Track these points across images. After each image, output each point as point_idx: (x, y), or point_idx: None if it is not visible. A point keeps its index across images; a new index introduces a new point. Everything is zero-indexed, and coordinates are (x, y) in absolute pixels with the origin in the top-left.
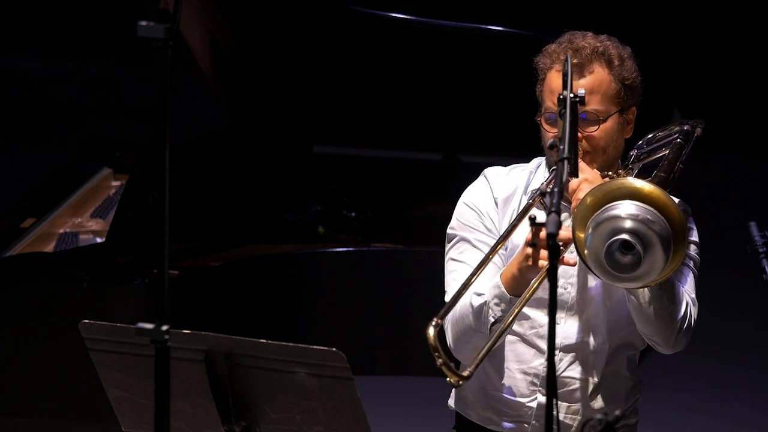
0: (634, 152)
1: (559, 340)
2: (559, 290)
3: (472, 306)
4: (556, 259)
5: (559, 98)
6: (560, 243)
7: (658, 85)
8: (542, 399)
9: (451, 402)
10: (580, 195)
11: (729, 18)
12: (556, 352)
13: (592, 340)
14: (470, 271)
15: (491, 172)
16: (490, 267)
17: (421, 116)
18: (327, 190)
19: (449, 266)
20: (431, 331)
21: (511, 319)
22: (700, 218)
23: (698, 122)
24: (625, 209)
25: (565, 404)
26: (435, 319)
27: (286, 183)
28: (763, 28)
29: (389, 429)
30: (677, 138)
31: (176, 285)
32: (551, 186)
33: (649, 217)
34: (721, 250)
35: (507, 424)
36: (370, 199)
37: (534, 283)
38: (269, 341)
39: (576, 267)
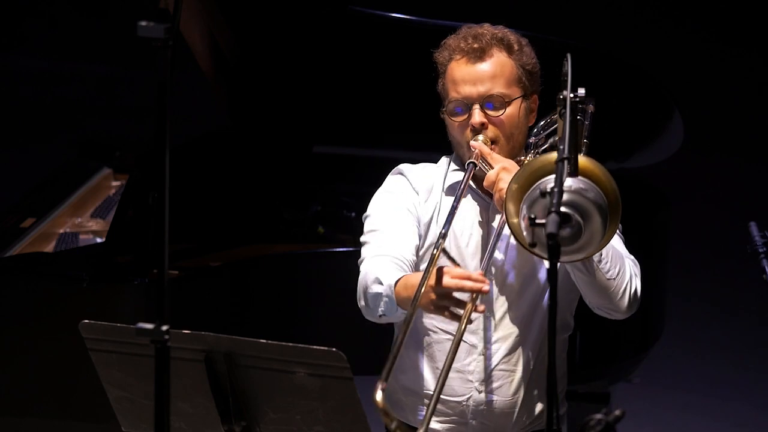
0: (532, 140)
1: (489, 333)
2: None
3: (369, 290)
4: (556, 258)
5: (559, 98)
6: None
7: (658, 85)
8: (477, 396)
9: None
10: (502, 185)
11: (729, 18)
12: (489, 345)
13: (522, 329)
14: (389, 235)
15: (405, 167)
16: (410, 236)
17: (421, 116)
18: (327, 190)
19: (364, 238)
20: (378, 395)
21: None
22: (701, 218)
23: (589, 99)
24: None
25: (500, 398)
26: (379, 383)
27: (286, 183)
28: (763, 28)
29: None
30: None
31: (176, 285)
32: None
33: (582, 186)
34: (721, 250)
35: (444, 425)
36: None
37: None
38: (269, 341)
39: (495, 260)
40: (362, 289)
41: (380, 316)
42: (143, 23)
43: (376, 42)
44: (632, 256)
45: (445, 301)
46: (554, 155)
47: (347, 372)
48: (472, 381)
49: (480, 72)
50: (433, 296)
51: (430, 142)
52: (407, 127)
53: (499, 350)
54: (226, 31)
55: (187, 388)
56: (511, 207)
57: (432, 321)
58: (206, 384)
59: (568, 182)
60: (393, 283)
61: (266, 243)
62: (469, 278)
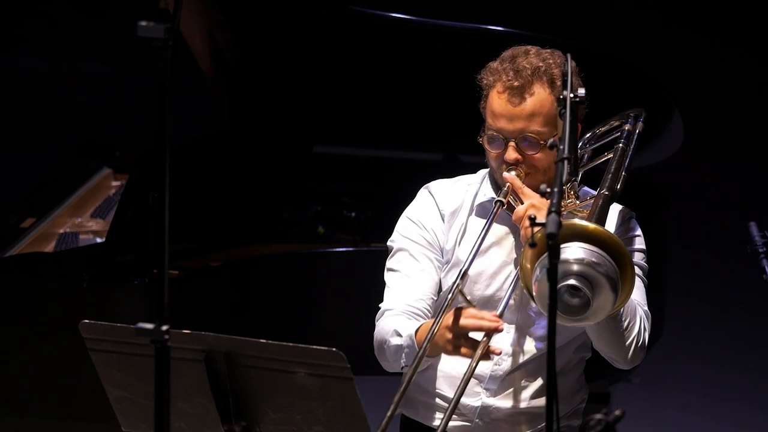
0: (579, 152)
1: (508, 345)
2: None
3: (388, 343)
4: (556, 258)
5: (559, 98)
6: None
7: (658, 85)
8: (486, 399)
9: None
10: (528, 222)
11: (729, 18)
12: (505, 357)
13: (541, 347)
14: (406, 281)
15: (435, 186)
16: (425, 280)
17: (421, 116)
18: (327, 190)
19: (387, 276)
20: None
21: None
22: (701, 218)
23: (639, 113)
24: (571, 253)
25: (507, 405)
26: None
27: (286, 183)
28: (763, 28)
29: (389, 429)
30: (619, 142)
31: (176, 285)
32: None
33: (594, 259)
34: (721, 250)
35: (451, 422)
36: (370, 199)
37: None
38: (269, 341)
39: (519, 274)
40: (380, 344)
41: (403, 367)
42: (143, 23)
43: (376, 42)
44: (646, 308)
45: (461, 341)
46: (574, 222)
47: (347, 372)
48: (482, 385)
49: (518, 111)
50: (449, 336)
51: (431, 142)
52: (407, 127)
53: (514, 361)
54: (226, 31)
55: (187, 388)
56: (528, 251)
57: None
58: (206, 384)
59: (581, 254)
60: (413, 332)
61: (266, 243)
62: (483, 318)
